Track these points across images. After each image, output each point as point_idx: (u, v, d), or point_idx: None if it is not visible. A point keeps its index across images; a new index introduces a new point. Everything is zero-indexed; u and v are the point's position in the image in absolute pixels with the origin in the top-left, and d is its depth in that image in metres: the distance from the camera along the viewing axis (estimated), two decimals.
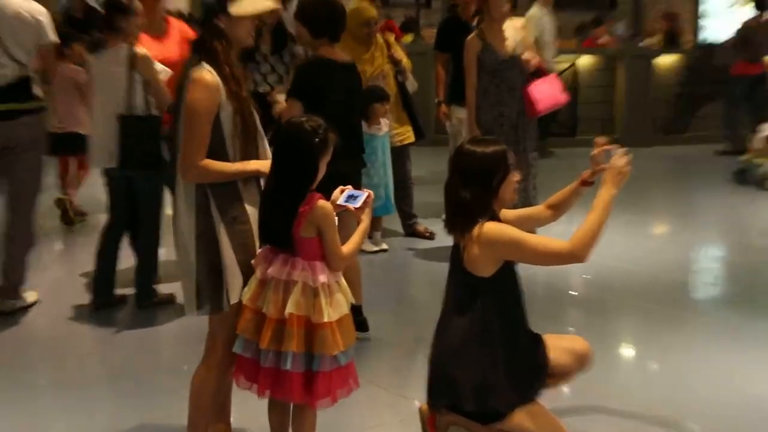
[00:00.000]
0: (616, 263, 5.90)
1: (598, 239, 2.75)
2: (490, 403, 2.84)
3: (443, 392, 2.92)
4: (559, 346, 3.06)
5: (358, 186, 3.23)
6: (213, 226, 2.86)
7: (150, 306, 4.79)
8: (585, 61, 10.60)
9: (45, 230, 6.53)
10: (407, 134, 6.20)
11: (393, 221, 6.46)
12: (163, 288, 4.91)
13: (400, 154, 6.19)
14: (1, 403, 3.70)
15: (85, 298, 4.91)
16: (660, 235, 7.01)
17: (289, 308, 2.77)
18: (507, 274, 2.92)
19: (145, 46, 4.85)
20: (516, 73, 5.70)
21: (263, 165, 2.89)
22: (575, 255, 2.75)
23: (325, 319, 2.78)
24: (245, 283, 2.87)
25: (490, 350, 2.85)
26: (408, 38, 11.73)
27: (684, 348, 4.36)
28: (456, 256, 2.93)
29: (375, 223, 5.95)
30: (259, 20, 3.04)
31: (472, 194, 2.84)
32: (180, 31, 5.13)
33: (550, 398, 3.59)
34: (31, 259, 4.88)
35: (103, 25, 4.64)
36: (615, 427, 3.50)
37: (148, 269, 4.82)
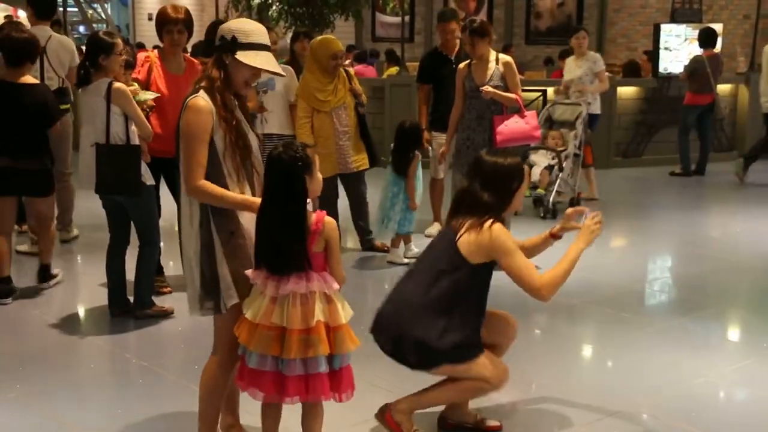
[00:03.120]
0: (579, 272, 6.03)
1: (561, 285, 3.15)
2: (428, 362, 3.17)
3: (390, 340, 3.22)
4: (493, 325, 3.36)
5: None
6: (212, 239, 2.97)
7: (144, 317, 4.81)
8: (553, 91, 10.84)
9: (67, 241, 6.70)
10: (363, 161, 6.37)
11: (350, 238, 6.65)
12: (171, 298, 5.04)
13: (357, 179, 6.40)
14: (25, 402, 3.83)
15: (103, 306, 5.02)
16: (619, 248, 7.16)
17: (318, 316, 2.88)
18: (487, 268, 3.20)
19: (163, 83, 5.03)
20: (484, 102, 5.84)
21: (255, 202, 2.96)
22: (542, 295, 3.15)
23: (343, 321, 2.94)
24: (239, 291, 2.97)
25: (447, 318, 3.14)
26: (393, 70, 11.95)
27: (638, 347, 4.52)
28: (450, 233, 3.19)
29: (406, 237, 6.24)
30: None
31: (491, 197, 3.16)
32: (197, 71, 5.28)
33: (513, 393, 3.79)
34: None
35: (85, 66, 4.77)
36: (575, 421, 3.62)
37: (145, 281, 4.86)
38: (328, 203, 6.34)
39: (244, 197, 2.99)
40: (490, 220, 3.14)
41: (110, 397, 3.87)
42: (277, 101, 6.18)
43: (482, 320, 3.27)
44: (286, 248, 2.88)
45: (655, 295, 5.85)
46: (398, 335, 3.22)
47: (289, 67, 6.46)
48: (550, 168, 7.81)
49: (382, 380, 3.98)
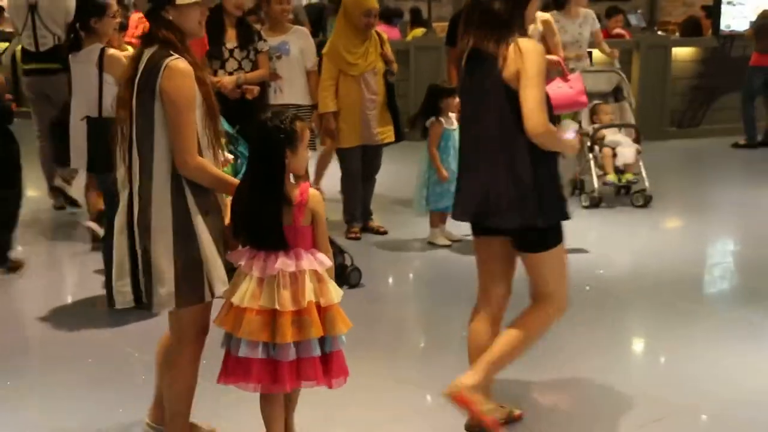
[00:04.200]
0: (629, 255, 6.06)
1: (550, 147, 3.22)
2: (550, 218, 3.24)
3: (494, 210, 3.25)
4: None
5: None
6: (190, 219, 2.94)
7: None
8: (599, 53, 10.70)
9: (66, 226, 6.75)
10: (389, 133, 6.35)
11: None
12: None
13: (376, 152, 6.40)
14: (16, 400, 3.86)
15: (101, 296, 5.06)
16: (674, 229, 7.10)
17: (309, 296, 2.93)
18: None
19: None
20: None
21: None
22: (537, 131, 3.14)
23: (335, 301, 2.98)
24: (219, 276, 2.99)
25: (546, 166, 3.25)
26: (418, 31, 11.86)
27: (695, 342, 4.46)
28: (489, 71, 3.21)
29: (443, 216, 6.17)
30: (208, 9, 3.14)
31: (505, 5, 3.21)
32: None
33: (554, 391, 3.76)
34: None
35: (75, 29, 4.74)
36: (623, 424, 3.59)
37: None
38: (351, 177, 6.35)
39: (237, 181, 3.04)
40: (515, 39, 3.18)
41: (109, 395, 3.87)
42: (292, 67, 6.12)
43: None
44: (264, 221, 2.94)
45: (715, 282, 5.78)
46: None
47: (304, 28, 6.41)
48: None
49: (409, 376, 4.00)
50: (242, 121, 4.79)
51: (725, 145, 10.27)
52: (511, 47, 3.16)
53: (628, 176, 7.41)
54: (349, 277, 5.24)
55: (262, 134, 2.96)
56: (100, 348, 4.43)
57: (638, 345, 4.70)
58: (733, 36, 10.79)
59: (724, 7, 10.91)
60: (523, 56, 3.14)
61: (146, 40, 3.01)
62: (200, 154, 2.95)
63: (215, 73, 5.55)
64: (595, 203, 7.33)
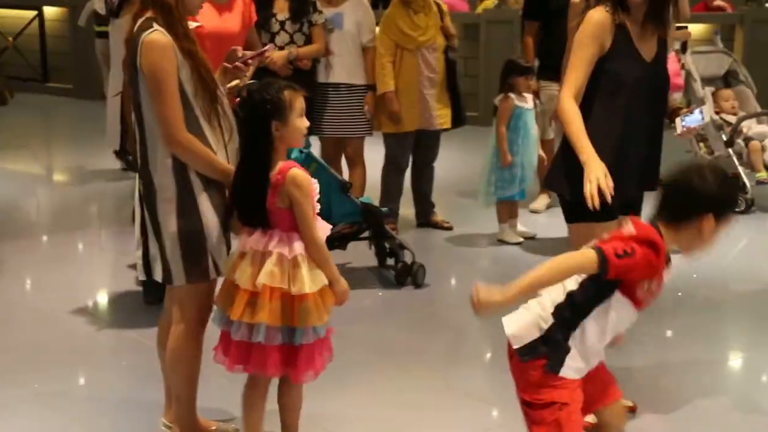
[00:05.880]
0: (730, 262, 6.03)
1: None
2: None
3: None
4: None
5: None
6: (194, 196, 3.21)
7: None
8: (698, 28, 10.60)
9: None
10: (447, 118, 6.44)
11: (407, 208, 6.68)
12: None
13: (434, 138, 6.50)
14: (45, 404, 4.04)
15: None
16: None
17: (261, 278, 3.11)
18: None
19: (202, 16, 5.13)
20: None
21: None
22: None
23: (307, 290, 3.11)
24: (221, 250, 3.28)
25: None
26: (490, 3, 11.90)
27: None
28: None
29: (512, 208, 6.26)
30: None
31: None
32: (245, 2, 5.39)
33: (646, 410, 3.80)
34: None
35: None
36: None
37: None
38: (395, 166, 6.45)
39: (231, 168, 3.25)
40: None
41: (145, 400, 3.99)
42: (344, 43, 6.19)
43: None
44: (245, 197, 3.18)
45: None
46: None
47: (365, 0, 6.47)
48: None
49: (472, 389, 4.10)
50: None
51: None
52: None
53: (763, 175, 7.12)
54: (416, 276, 5.36)
55: (247, 107, 3.16)
56: (134, 348, 4.60)
57: (736, 356, 4.70)
58: None
59: None
60: None
61: (141, 4, 3.23)
62: (196, 129, 3.18)
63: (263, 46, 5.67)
64: (749, 206, 7.05)
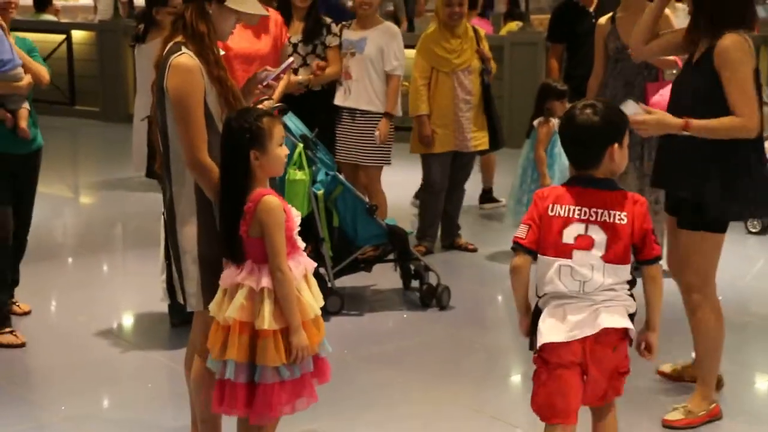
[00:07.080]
0: (749, 282, 5.99)
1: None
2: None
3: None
4: None
5: None
6: (213, 217, 3.23)
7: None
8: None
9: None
10: (483, 140, 6.45)
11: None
12: None
13: (468, 160, 6.53)
14: (74, 427, 4.07)
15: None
16: None
17: (230, 312, 3.05)
18: None
19: (233, 37, 5.18)
20: (633, 66, 5.66)
21: None
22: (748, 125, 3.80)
23: (266, 327, 3.02)
24: None
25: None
26: (514, 25, 11.91)
27: None
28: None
29: None
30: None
31: None
32: (276, 23, 5.43)
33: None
34: None
35: (143, 18, 4.98)
36: None
37: None
38: (434, 188, 6.45)
39: None
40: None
41: (171, 423, 4.02)
42: (365, 68, 6.09)
43: None
44: (222, 229, 3.14)
45: None
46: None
47: (393, 26, 6.43)
48: None
49: (499, 410, 4.09)
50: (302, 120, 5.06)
51: None
52: None
53: None
54: (441, 298, 5.36)
55: (226, 135, 3.12)
56: (160, 371, 4.64)
57: (764, 380, 4.68)
58: None
59: None
60: None
61: (176, 25, 3.27)
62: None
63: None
64: (765, 228, 6.90)
